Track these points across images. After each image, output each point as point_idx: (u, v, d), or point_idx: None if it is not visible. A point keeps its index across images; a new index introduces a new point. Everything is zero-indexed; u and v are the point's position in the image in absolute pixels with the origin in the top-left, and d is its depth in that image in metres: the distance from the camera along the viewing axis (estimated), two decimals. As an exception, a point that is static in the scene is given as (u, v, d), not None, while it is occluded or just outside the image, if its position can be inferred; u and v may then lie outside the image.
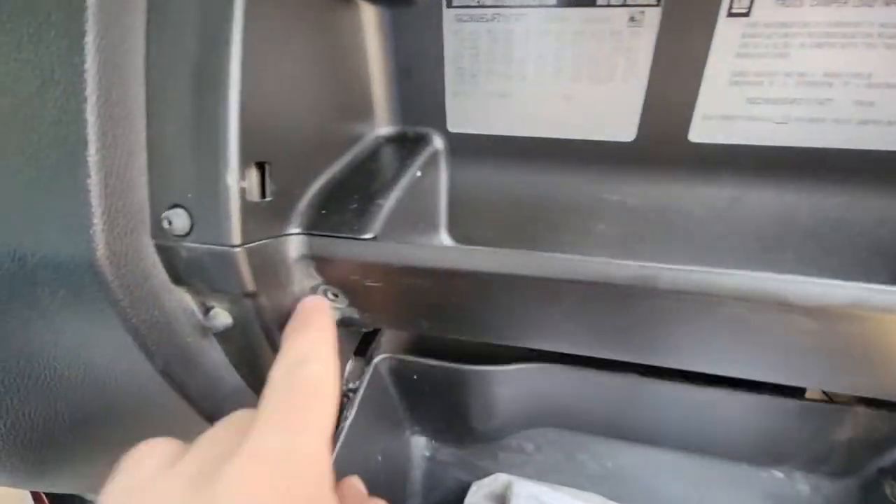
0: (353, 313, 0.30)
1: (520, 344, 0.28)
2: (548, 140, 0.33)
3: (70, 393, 0.26)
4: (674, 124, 0.31)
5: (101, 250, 0.21)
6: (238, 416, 0.22)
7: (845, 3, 0.25)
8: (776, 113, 0.29)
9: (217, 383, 0.28)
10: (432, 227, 0.36)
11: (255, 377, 0.29)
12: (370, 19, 0.31)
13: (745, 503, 0.40)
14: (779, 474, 0.39)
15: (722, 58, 0.28)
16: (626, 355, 0.28)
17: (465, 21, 0.30)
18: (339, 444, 0.31)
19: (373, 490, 0.37)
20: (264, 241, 0.24)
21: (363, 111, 0.33)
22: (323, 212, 0.27)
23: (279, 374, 0.21)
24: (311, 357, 0.22)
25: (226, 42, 0.21)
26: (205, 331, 0.26)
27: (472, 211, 0.37)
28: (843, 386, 0.28)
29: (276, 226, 0.25)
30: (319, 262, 0.27)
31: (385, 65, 0.33)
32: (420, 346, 0.41)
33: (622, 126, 0.31)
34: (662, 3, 0.27)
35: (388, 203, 0.28)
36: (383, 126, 0.35)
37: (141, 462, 0.19)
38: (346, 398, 0.34)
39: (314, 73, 0.28)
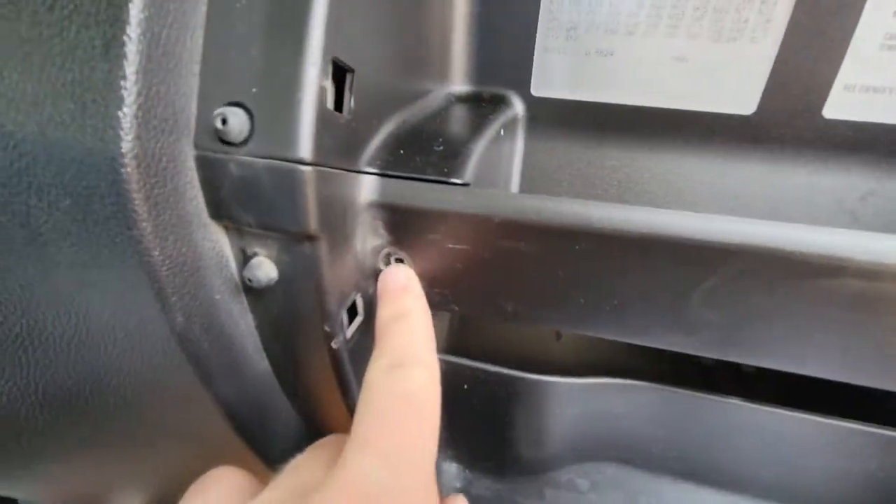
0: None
1: (630, 340, 0.23)
2: (651, 110, 0.29)
3: (51, 357, 0.19)
4: (807, 95, 0.26)
5: (128, 144, 0.15)
6: (330, 440, 0.20)
7: None
8: (937, 86, 0.25)
9: (241, 362, 0.22)
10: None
11: (287, 361, 0.23)
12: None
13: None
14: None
15: (878, 14, 0.24)
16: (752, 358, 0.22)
17: (570, -38, 0.26)
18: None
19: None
20: (338, 171, 0.19)
21: (437, 61, 0.28)
22: (401, 152, 0.22)
23: (376, 378, 0.18)
24: (414, 359, 0.18)
25: None
26: (238, 288, 0.20)
27: (546, 187, 0.32)
28: None
29: (351, 156, 0.20)
30: (392, 212, 0.21)
31: (471, 9, 0.28)
32: (459, 349, 0.35)
33: (742, 96, 0.27)
34: (814, -54, 0.24)
35: (476, 149, 0.23)
36: (458, 83, 0.30)
37: (208, 497, 0.17)
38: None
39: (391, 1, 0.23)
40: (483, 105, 0.30)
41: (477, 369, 0.31)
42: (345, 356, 0.22)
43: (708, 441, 0.33)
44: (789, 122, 0.27)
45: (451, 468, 0.39)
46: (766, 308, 0.19)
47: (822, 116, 0.26)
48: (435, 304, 0.24)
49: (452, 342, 0.39)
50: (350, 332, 0.22)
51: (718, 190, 0.29)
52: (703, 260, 0.19)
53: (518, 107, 0.30)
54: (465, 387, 0.31)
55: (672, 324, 0.21)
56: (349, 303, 0.22)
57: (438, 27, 0.28)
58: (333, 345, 0.21)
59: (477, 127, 0.26)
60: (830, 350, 0.20)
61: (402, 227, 0.21)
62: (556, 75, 0.29)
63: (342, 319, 0.21)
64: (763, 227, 0.18)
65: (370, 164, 0.21)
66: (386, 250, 0.23)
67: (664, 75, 0.28)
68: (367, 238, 0.22)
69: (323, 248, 0.19)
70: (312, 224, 0.18)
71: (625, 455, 0.36)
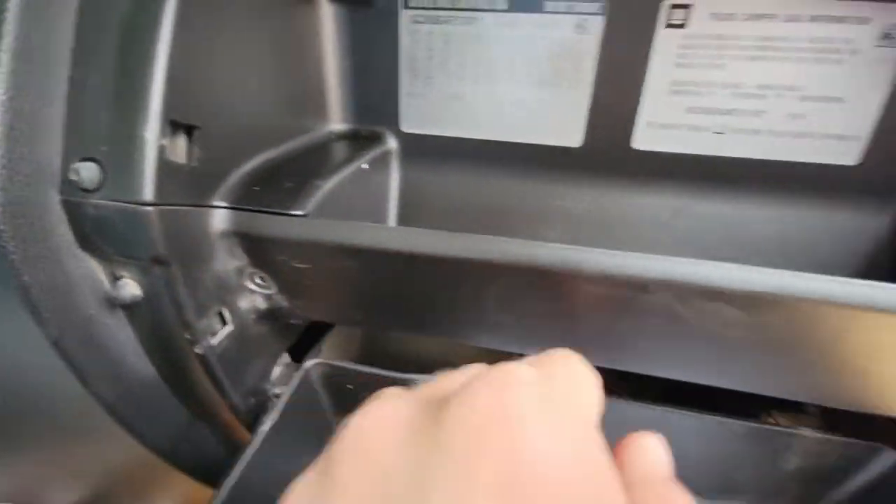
0: (283, 301, 0.28)
1: (455, 338, 0.27)
2: (499, 143, 0.33)
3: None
4: (618, 131, 0.31)
5: (-5, 194, 0.19)
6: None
7: (774, 17, 0.27)
8: (714, 123, 0.30)
9: (122, 368, 0.26)
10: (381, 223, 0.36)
11: (166, 365, 0.27)
12: (328, 16, 0.32)
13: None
14: (736, 510, 0.37)
15: (662, 67, 0.29)
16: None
17: (420, 22, 0.31)
18: (251, 452, 0.28)
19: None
20: (183, 208, 0.23)
21: (315, 104, 0.33)
22: (255, 188, 0.26)
23: None
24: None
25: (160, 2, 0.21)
26: (111, 304, 0.24)
27: (423, 212, 0.36)
28: (788, 390, 0.27)
29: (200, 194, 0.24)
30: (245, 239, 0.25)
31: (341, 62, 0.33)
32: (371, 358, 0.39)
33: (570, 131, 0.32)
34: (606, 11, 0.28)
35: (327, 185, 0.27)
36: (337, 122, 0.35)
37: None
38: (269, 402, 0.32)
39: (261, 56, 0.28)
40: (359, 140, 0.34)
41: (366, 373, 0.35)
42: (213, 360, 0.26)
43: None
44: (608, 152, 0.32)
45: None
46: (543, 310, 0.24)
47: (632, 148, 0.31)
48: (301, 314, 0.29)
49: (364, 354, 0.44)
50: (217, 339, 0.27)
51: (557, 210, 0.34)
52: (486, 274, 0.23)
53: (391, 142, 0.35)
54: (350, 387, 0.35)
55: (477, 324, 0.25)
56: (211, 314, 0.26)
57: (313, 77, 0.33)
58: (197, 350, 0.25)
59: (337, 164, 0.30)
60: (596, 340, 0.24)
61: (256, 251, 0.26)
62: (420, 115, 0.34)
63: (204, 329, 0.25)
64: (521, 248, 0.22)
65: (224, 199, 0.25)
66: (248, 271, 0.27)
67: (507, 115, 0.33)
68: (227, 260, 0.26)
69: (175, 270, 0.23)
70: (160, 251, 0.22)
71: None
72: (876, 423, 0.31)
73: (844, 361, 0.22)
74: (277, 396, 0.32)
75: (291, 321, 0.33)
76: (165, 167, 0.21)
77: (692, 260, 0.21)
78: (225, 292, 0.27)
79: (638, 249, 0.33)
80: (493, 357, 0.36)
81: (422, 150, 0.35)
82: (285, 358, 0.37)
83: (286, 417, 0.32)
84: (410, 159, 0.36)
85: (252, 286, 0.28)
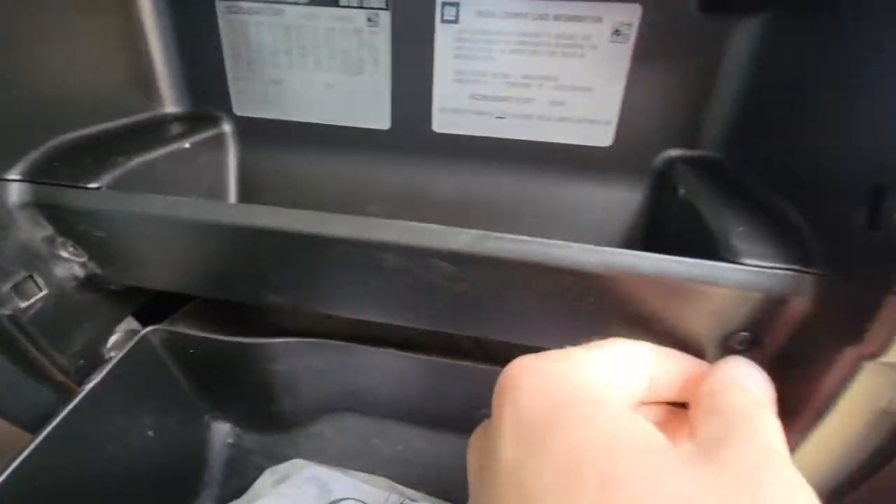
0: (96, 268, 0.31)
1: (263, 302, 0.30)
2: (320, 125, 0.37)
3: None
4: (419, 115, 0.35)
5: None
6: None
7: (526, 15, 0.30)
8: (495, 108, 0.33)
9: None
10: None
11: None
12: (146, 3, 0.34)
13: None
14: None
15: (444, 58, 0.33)
16: (383, 316, 0.29)
17: (235, 13, 0.34)
18: (70, 408, 0.31)
19: (150, 473, 0.37)
20: (-31, 179, 0.25)
21: (142, 87, 0.35)
22: (55, 164, 0.29)
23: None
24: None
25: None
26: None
27: (262, 189, 0.39)
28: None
29: (-8, 167, 0.26)
30: (47, 209, 0.28)
31: (168, 47, 0.35)
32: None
33: (378, 115, 0.35)
34: (391, 7, 0.32)
35: (131, 162, 0.30)
36: (171, 105, 0.37)
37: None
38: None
39: (67, 38, 0.30)
40: (194, 122, 0.37)
41: (202, 337, 0.38)
42: (24, 322, 0.29)
43: (411, 390, 0.41)
44: (413, 135, 0.35)
45: (223, 427, 0.46)
46: (313, 270, 0.27)
47: (433, 130, 0.35)
48: (116, 281, 0.31)
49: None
50: (27, 303, 0.29)
51: (376, 187, 0.37)
52: (254, 240, 0.26)
53: (226, 124, 0.38)
54: (192, 351, 0.38)
55: (262, 286, 0.29)
56: (16, 279, 0.28)
57: (137, 60, 0.35)
58: (4, 311, 0.28)
59: (153, 143, 0.33)
60: (364, 297, 0.28)
61: (58, 221, 0.28)
62: (250, 98, 0.37)
63: (10, 291, 0.28)
64: (275, 215, 0.25)
65: (22, 173, 0.28)
66: (58, 239, 0.30)
67: (322, 99, 0.36)
68: (33, 230, 0.29)
69: (-32, 236, 0.26)
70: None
71: (359, 406, 0.44)
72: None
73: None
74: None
75: (123, 288, 0.36)
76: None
77: (415, 224, 0.24)
78: (34, 260, 0.29)
79: (442, 217, 0.37)
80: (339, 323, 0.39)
81: (256, 132, 0.38)
82: (131, 325, 0.39)
83: (121, 378, 0.35)
84: (247, 140, 0.38)
85: (65, 254, 0.30)
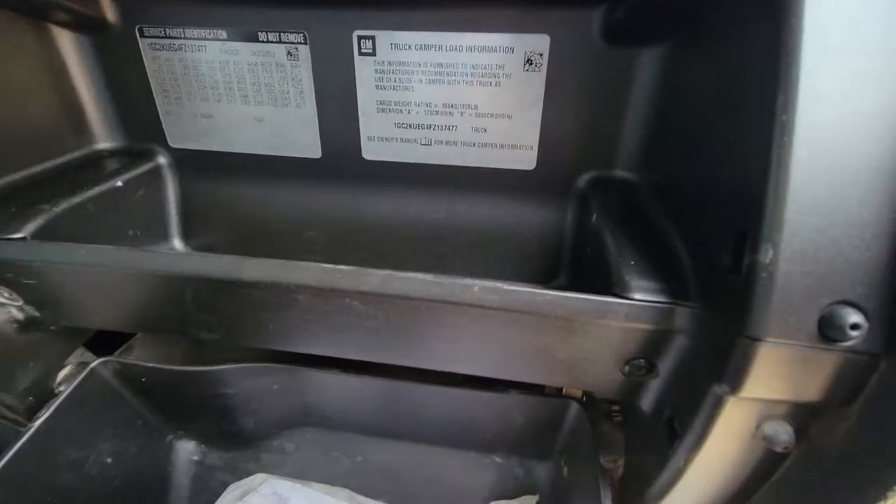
0: (33, 311, 0.32)
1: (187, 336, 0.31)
2: (253, 155, 0.37)
3: None
4: (349, 145, 0.35)
5: None
6: None
7: (440, 47, 0.31)
8: (420, 136, 0.34)
9: None
10: (161, 235, 0.39)
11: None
12: (69, 44, 0.34)
13: (475, 487, 0.44)
14: (498, 459, 0.44)
15: (366, 89, 0.33)
16: (297, 346, 0.30)
17: (158, 49, 0.34)
18: (17, 447, 0.32)
19: (111, 499, 0.38)
20: None
21: (72, 126, 0.36)
22: (-20, 215, 0.29)
23: None
24: None
25: None
26: None
27: (205, 220, 0.40)
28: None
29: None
30: (-26, 260, 0.29)
31: (95, 84, 0.36)
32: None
33: (309, 145, 0.36)
34: (309, 41, 0.32)
35: (57, 208, 0.30)
36: (104, 140, 0.37)
37: None
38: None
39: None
40: (129, 157, 0.37)
41: (149, 367, 0.39)
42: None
43: (368, 405, 0.43)
44: (344, 163, 0.36)
45: (188, 445, 0.47)
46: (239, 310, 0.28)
47: (364, 158, 0.36)
48: (52, 322, 0.32)
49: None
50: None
51: (312, 213, 0.38)
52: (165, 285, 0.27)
53: (162, 157, 0.38)
54: (144, 380, 0.39)
55: (181, 322, 0.30)
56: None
57: (65, 100, 0.35)
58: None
59: (87, 183, 0.33)
60: (286, 329, 0.29)
61: (-13, 269, 0.29)
62: (182, 131, 0.37)
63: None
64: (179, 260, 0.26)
65: (-54, 227, 0.28)
66: (-9, 285, 0.30)
67: (252, 131, 0.36)
68: (-35, 280, 0.29)
69: None
70: None
71: (315, 420, 0.46)
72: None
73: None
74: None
75: (65, 327, 0.36)
76: None
77: (328, 266, 0.25)
78: (-34, 305, 0.30)
79: (378, 242, 0.38)
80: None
81: (193, 163, 0.38)
82: (84, 356, 0.40)
83: (71, 410, 0.36)
84: (184, 173, 0.39)
85: (1, 299, 0.31)
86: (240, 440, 0.47)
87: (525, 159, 0.34)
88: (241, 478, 0.46)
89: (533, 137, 0.33)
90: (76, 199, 0.32)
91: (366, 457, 0.46)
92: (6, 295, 0.31)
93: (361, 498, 0.45)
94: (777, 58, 0.17)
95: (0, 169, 0.31)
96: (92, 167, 0.36)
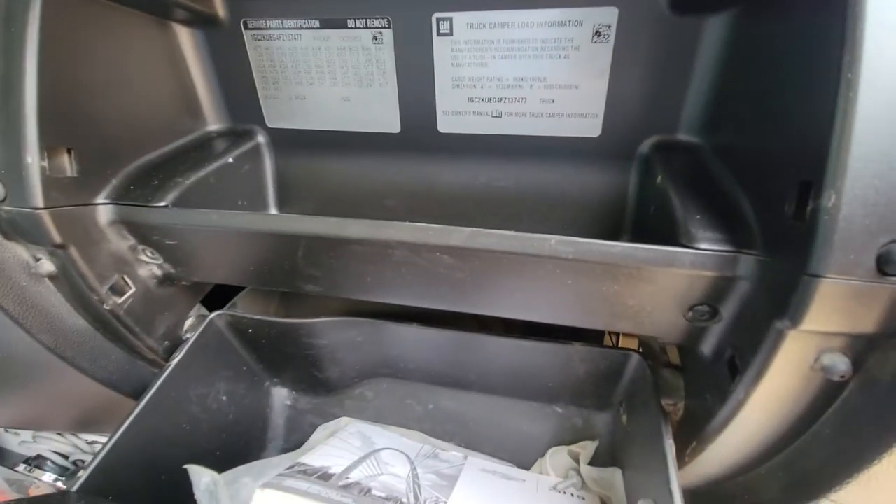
0: (170, 269, 0.38)
1: (313, 292, 0.36)
2: (340, 132, 0.41)
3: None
4: (425, 119, 0.39)
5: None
6: None
7: (513, 25, 0.33)
8: (491, 109, 0.37)
9: (59, 322, 0.36)
10: (261, 204, 0.45)
11: (91, 318, 0.37)
12: (186, 38, 0.39)
13: (537, 434, 0.48)
14: (559, 410, 0.47)
15: (443, 67, 0.36)
16: (396, 298, 0.35)
17: (259, 40, 0.39)
18: (161, 379, 0.38)
19: (226, 430, 0.45)
20: (70, 207, 0.32)
21: (190, 111, 0.41)
22: (132, 187, 0.35)
23: None
24: None
25: (20, 54, 0.29)
26: (37, 277, 0.35)
27: (296, 190, 0.45)
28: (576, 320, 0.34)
29: (84, 196, 0.33)
30: (128, 225, 0.35)
31: (206, 74, 0.41)
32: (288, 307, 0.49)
33: (389, 121, 0.40)
34: (392, 25, 0.36)
35: (188, 181, 0.36)
36: (214, 123, 0.43)
37: None
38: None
39: (130, 78, 0.36)
40: (234, 136, 0.43)
41: (256, 319, 0.45)
42: (121, 314, 0.37)
43: (438, 357, 0.47)
44: (421, 136, 0.40)
45: (282, 391, 0.54)
46: (351, 265, 0.33)
47: (438, 131, 0.39)
48: (187, 277, 0.38)
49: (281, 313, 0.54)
50: (122, 299, 0.37)
51: (392, 183, 0.42)
52: (294, 243, 0.32)
53: (261, 136, 0.43)
54: (250, 331, 0.45)
55: (312, 279, 0.35)
56: (112, 281, 0.36)
57: (185, 88, 0.41)
58: (106, 307, 0.36)
59: (206, 160, 0.39)
60: (389, 282, 0.33)
61: (138, 233, 0.35)
62: (279, 112, 0.42)
63: (108, 292, 0.35)
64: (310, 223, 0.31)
65: (106, 196, 0.34)
66: (139, 247, 0.37)
67: (340, 109, 0.40)
68: (120, 241, 0.36)
69: (74, 251, 0.33)
70: (56, 239, 0.32)
71: (393, 371, 0.51)
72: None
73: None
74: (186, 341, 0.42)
75: (192, 282, 0.43)
76: (49, 181, 0.31)
77: (419, 225, 0.29)
78: (122, 264, 0.37)
79: (452, 209, 0.41)
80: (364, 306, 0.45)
81: (287, 141, 0.43)
82: (200, 310, 0.47)
83: (197, 354, 0.43)
84: (279, 149, 0.44)
85: (145, 258, 0.38)
86: (326, 388, 0.53)
87: (591, 127, 0.36)
88: (327, 420, 0.52)
89: (599, 106, 0.35)
90: (201, 173, 0.37)
91: (437, 404, 0.51)
92: (149, 254, 0.38)
93: (433, 439, 0.50)
94: (843, 20, 0.19)
95: (142, 149, 0.37)
96: (208, 146, 0.41)
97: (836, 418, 0.24)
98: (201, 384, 0.44)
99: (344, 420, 0.51)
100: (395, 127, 0.40)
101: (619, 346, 0.44)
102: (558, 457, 0.46)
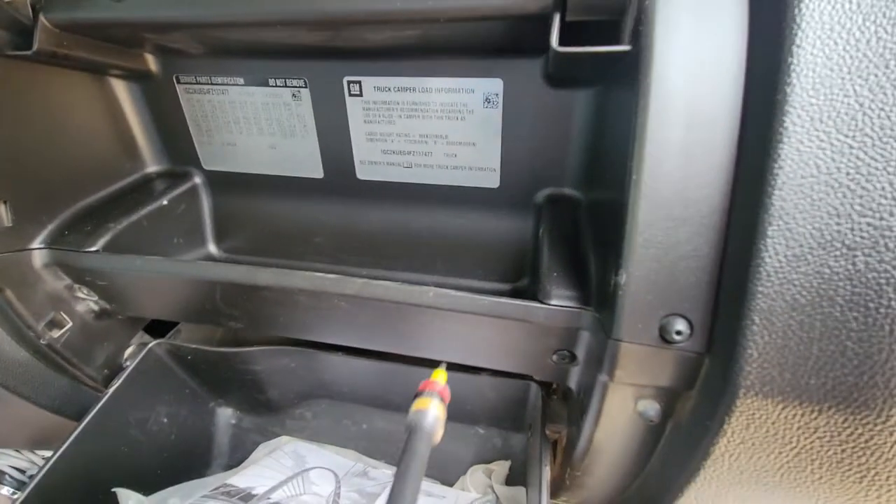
0: (106, 304, 0.41)
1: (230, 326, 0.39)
2: (270, 176, 0.45)
3: None
4: (345, 166, 0.42)
5: None
6: None
7: (415, 89, 0.37)
8: (402, 160, 0.40)
9: (2, 355, 0.39)
10: (200, 240, 0.48)
11: (32, 351, 0.40)
12: (122, 90, 0.42)
13: (462, 453, 0.51)
14: (481, 431, 0.51)
15: (357, 123, 0.40)
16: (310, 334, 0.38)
17: (191, 93, 0.42)
18: (98, 406, 0.41)
19: (167, 450, 0.48)
20: (6, 254, 0.35)
21: (129, 154, 0.44)
22: (66, 232, 0.38)
23: None
24: None
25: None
26: (-21, 316, 0.37)
27: (233, 227, 0.48)
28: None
29: (20, 242, 0.36)
30: (63, 267, 0.38)
31: (144, 121, 0.44)
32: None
33: (313, 167, 0.43)
34: (309, 85, 0.39)
35: (120, 226, 0.39)
36: (153, 164, 0.46)
37: None
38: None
39: (65, 130, 0.39)
40: (172, 178, 0.46)
41: (193, 348, 0.48)
42: (58, 347, 0.40)
43: (370, 382, 0.51)
44: (342, 181, 0.43)
45: (227, 411, 0.57)
46: (265, 305, 0.36)
47: (357, 178, 0.42)
48: (122, 313, 0.41)
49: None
50: (58, 333, 0.40)
51: (319, 223, 0.45)
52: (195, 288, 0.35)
53: (198, 177, 0.47)
54: (189, 358, 0.48)
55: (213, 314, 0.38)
56: (49, 317, 0.39)
57: (122, 135, 0.44)
58: (43, 341, 0.39)
59: (141, 203, 0.42)
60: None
61: (73, 274, 0.38)
62: (213, 156, 0.45)
63: (45, 327, 0.38)
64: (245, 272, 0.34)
65: (41, 241, 0.37)
66: (74, 286, 0.40)
67: (268, 156, 0.44)
68: (56, 281, 0.39)
69: (10, 293, 0.36)
70: (-8, 284, 0.35)
71: (329, 393, 0.54)
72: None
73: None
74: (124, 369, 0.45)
75: (128, 317, 0.46)
76: (-17, 232, 0.34)
77: (317, 274, 0.33)
78: (59, 301, 0.40)
79: (373, 247, 0.45)
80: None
81: (222, 181, 0.46)
82: (144, 337, 0.50)
83: (135, 381, 0.45)
84: (216, 189, 0.47)
85: (81, 295, 0.41)
86: (268, 408, 0.56)
87: (490, 179, 0.39)
88: (269, 439, 0.55)
89: (495, 161, 0.39)
90: (133, 217, 0.41)
91: (371, 424, 0.54)
92: (85, 292, 0.41)
93: (367, 458, 0.53)
94: (635, 120, 0.23)
95: (79, 193, 0.40)
96: (145, 189, 0.44)
97: (661, 456, 0.28)
98: (140, 409, 0.47)
99: (284, 439, 0.55)
100: (318, 172, 0.43)
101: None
102: (477, 475, 0.50)
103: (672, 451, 0.27)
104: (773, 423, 0.20)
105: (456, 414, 0.51)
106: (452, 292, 0.30)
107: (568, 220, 0.35)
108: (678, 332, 0.22)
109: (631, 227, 0.22)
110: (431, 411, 0.28)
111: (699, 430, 0.24)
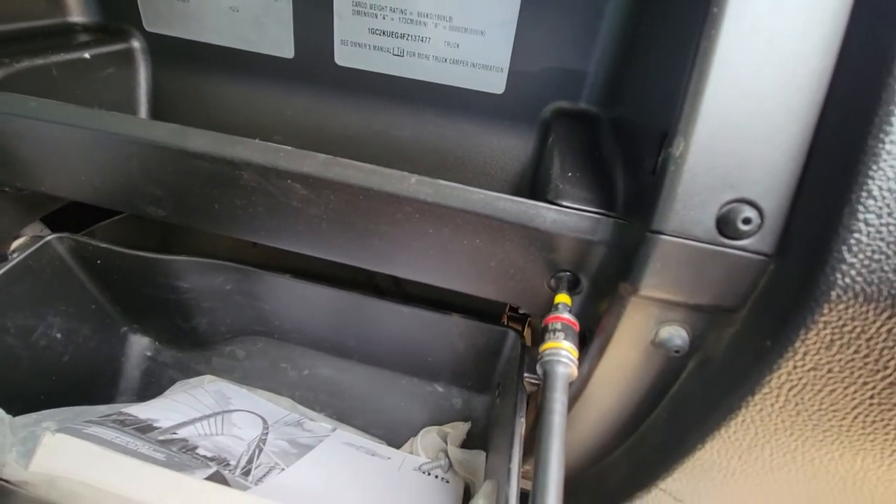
0: (-12, 169, 0.32)
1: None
2: (227, 48, 0.37)
3: None
4: (322, 46, 0.35)
5: None
6: None
7: (420, -50, 0.30)
8: (393, 45, 0.34)
9: None
10: (129, 119, 0.39)
11: None
12: None
13: (415, 412, 0.45)
14: (440, 388, 0.45)
15: (343, -12, 0.32)
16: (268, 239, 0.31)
17: (138, -79, 0.33)
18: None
19: (57, 373, 0.39)
20: None
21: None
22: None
23: None
24: None
25: None
26: None
27: (174, 110, 0.40)
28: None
29: None
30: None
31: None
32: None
33: (282, 42, 0.35)
34: (289, -72, 0.31)
35: (18, 64, 0.30)
36: (77, 15, 0.37)
37: None
38: None
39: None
40: (101, 34, 0.37)
41: (108, 249, 0.39)
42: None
43: (321, 320, 0.44)
44: (316, 65, 0.36)
45: (142, 340, 0.48)
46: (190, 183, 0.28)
47: (335, 63, 0.35)
48: (7, 181, 0.33)
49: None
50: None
51: (282, 117, 0.38)
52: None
53: (137, 40, 0.38)
54: (99, 262, 0.40)
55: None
56: None
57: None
58: None
59: (48, 49, 0.33)
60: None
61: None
62: (156, 15, 0.37)
63: None
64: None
65: None
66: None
67: (226, 21, 0.36)
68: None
69: None
70: None
71: (268, 331, 0.46)
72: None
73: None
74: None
75: (25, 192, 0.36)
76: None
77: (270, 144, 0.25)
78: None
79: (343, 153, 0.38)
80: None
81: (167, 50, 0.38)
82: (44, 231, 0.41)
83: (22, 278, 0.36)
84: (158, 59, 0.38)
85: (-45, 152, 0.31)
86: (193, 341, 0.48)
87: (495, 82, 0.33)
88: (190, 377, 0.47)
89: (504, 58, 0.32)
90: (39, 61, 0.32)
91: (312, 371, 0.47)
92: (-39, 148, 0.31)
93: (303, 408, 0.46)
94: None
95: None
96: (61, 36, 0.35)
97: (672, 403, 0.23)
98: (25, 315, 0.37)
99: (207, 378, 0.46)
100: (288, 51, 0.36)
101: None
102: (429, 437, 0.44)
103: (687, 401, 0.22)
104: (868, 339, 0.15)
105: (414, 366, 0.45)
106: (440, 181, 0.24)
107: (584, 133, 0.30)
108: (746, 221, 0.17)
109: (699, 84, 0.17)
110: (564, 352, 0.22)
111: (744, 361, 0.18)
